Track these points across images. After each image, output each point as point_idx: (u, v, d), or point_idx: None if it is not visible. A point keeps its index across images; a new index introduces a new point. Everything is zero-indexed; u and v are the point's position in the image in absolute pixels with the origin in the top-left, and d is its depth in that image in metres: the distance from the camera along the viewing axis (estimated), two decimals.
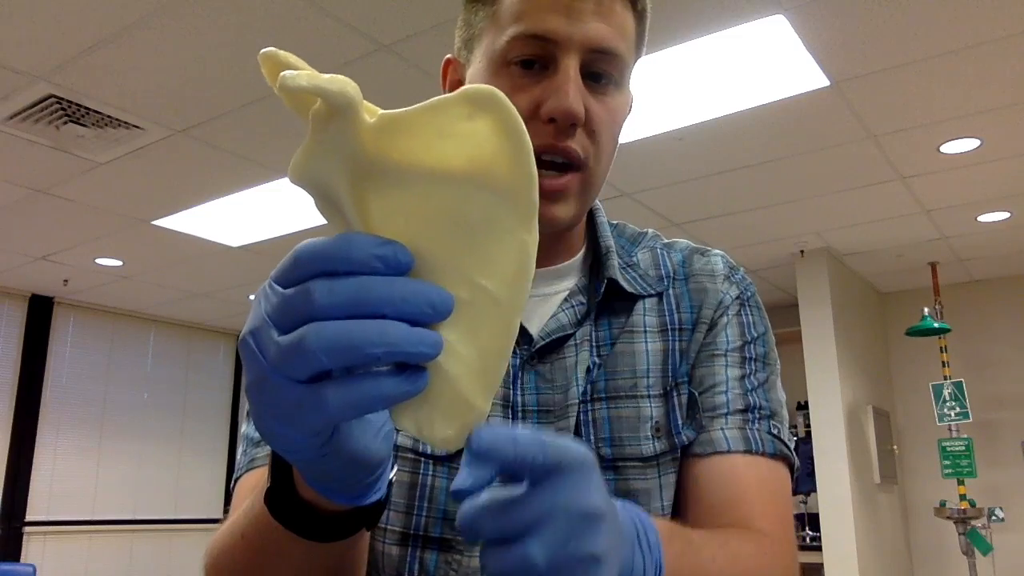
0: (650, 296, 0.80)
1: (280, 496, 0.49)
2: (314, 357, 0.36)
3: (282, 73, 0.36)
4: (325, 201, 0.40)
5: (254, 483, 0.69)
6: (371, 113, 0.38)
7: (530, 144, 0.39)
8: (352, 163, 0.38)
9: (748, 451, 0.72)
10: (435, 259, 0.39)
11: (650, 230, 0.88)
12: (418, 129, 0.38)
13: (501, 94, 0.39)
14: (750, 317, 0.80)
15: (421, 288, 0.38)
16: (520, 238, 0.40)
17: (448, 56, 0.81)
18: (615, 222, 0.88)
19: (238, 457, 0.75)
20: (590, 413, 0.74)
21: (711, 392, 0.76)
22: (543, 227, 0.69)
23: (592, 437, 0.73)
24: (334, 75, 0.36)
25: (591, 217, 0.84)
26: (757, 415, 0.75)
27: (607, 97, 0.71)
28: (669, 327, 0.79)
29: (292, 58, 0.39)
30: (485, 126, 0.38)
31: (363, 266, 0.37)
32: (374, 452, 0.45)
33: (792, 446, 0.76)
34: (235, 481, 0.73)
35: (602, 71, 0.70)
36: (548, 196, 0.69)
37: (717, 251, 0.85)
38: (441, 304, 0.38)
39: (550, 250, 0.78)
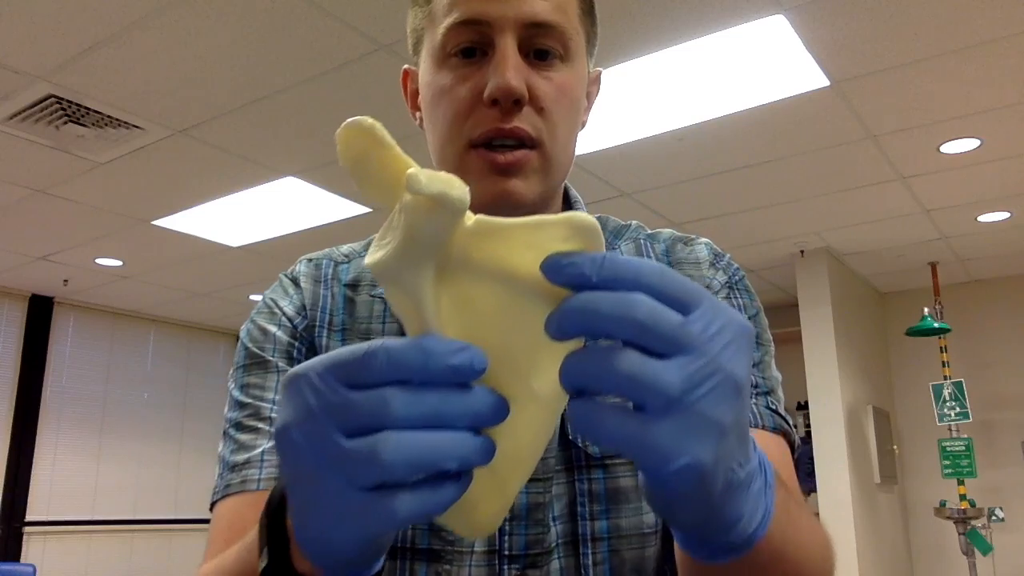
0: None
1: (276, 569, 0.48)
2: (390, 468, 0.36)
3: (410, 171, 0.37)
4: (397, 288, 0.41)
5: (232, 511, 0.68)
6: (468, 215, 0.41)
7: None
8: (437, 257, 0.40)
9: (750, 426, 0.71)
10: (494, 353, 0.40)
11: (633, 222, 0.86)
12: (511, 239, 0.40)
13: (600, 229, 0.40)
14: (740, 300, 0.78)
15: (490, 401, 0.39)
16: (573, 349, 0.42)
17: (405, 67, 0.81)
18: (598, 215, 0.87)
19: (215, 479, 0.73)
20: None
21: None
22: (503, 205, 0.67)
23: (579, 436, 0.70)
24: (451, 178, 0.38)
25: (570, 208, 0.81)
26: (754, 392, 0.72)
27: (553, 72, 0.70)
28: None
29: (386, 135, 0.40)
30: (574, 248, 0.40)
31: (439, 378, 0.37)
32: (391, 539, 0.46)
33: (790, 422, 0.74)
34: (212, 504, 0.71)
35: (545, 46, 0.69)
36: (502, 170, 0.68)
37: (702, 239, 0.82)
38: (504, 412, 0.39)
39: None
